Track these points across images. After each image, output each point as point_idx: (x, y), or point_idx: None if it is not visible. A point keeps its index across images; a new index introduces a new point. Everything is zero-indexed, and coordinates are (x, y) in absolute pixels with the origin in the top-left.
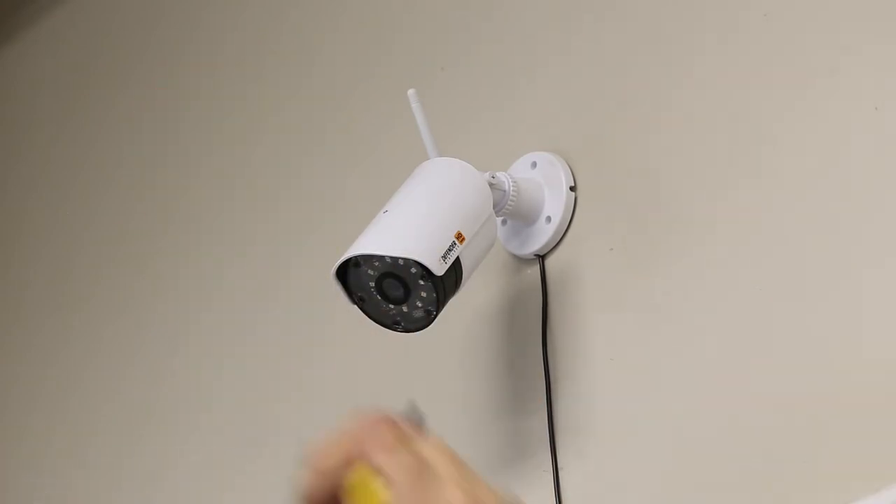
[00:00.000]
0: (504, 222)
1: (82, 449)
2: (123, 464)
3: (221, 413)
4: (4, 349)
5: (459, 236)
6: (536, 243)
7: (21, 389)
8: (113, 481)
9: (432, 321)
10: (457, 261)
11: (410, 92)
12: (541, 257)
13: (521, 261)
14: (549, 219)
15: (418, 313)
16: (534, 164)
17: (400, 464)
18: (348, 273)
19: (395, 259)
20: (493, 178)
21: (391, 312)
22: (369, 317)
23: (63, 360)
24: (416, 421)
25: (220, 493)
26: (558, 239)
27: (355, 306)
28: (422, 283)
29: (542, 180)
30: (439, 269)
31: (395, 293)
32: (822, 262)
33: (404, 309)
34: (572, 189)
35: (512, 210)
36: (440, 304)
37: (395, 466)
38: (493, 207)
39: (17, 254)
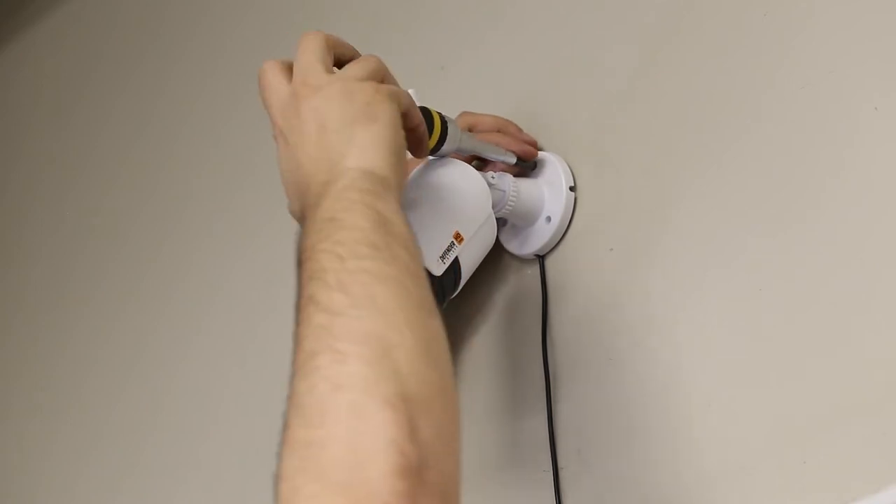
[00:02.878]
0: (504, 222)
1: (85, 450)
2: (127, 466)
3: (226, 414)
4: (5, 350)
5: (458, 236)
6: (536, 243)
7: (22, 390)
8: (115, 483)
9: None
10: (455, 261)
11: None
12: (541, 257)
13: (521, 261)
14: (549, 219)
15: None
16: (534, 164)
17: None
18: None
19: None
20: (492, 178)
21: None
22: None
23: (64, 361)
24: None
25: (224, 494)
26: (558, 239)
27: None
28: None
29: (542, 180)
30: (437, 269)
31: None
32: (823, 264)
33: None
34: (572, 189)
35: (512, 210)
36: (439, 304)
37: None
38: (493, 207)
39: (17, 254)
